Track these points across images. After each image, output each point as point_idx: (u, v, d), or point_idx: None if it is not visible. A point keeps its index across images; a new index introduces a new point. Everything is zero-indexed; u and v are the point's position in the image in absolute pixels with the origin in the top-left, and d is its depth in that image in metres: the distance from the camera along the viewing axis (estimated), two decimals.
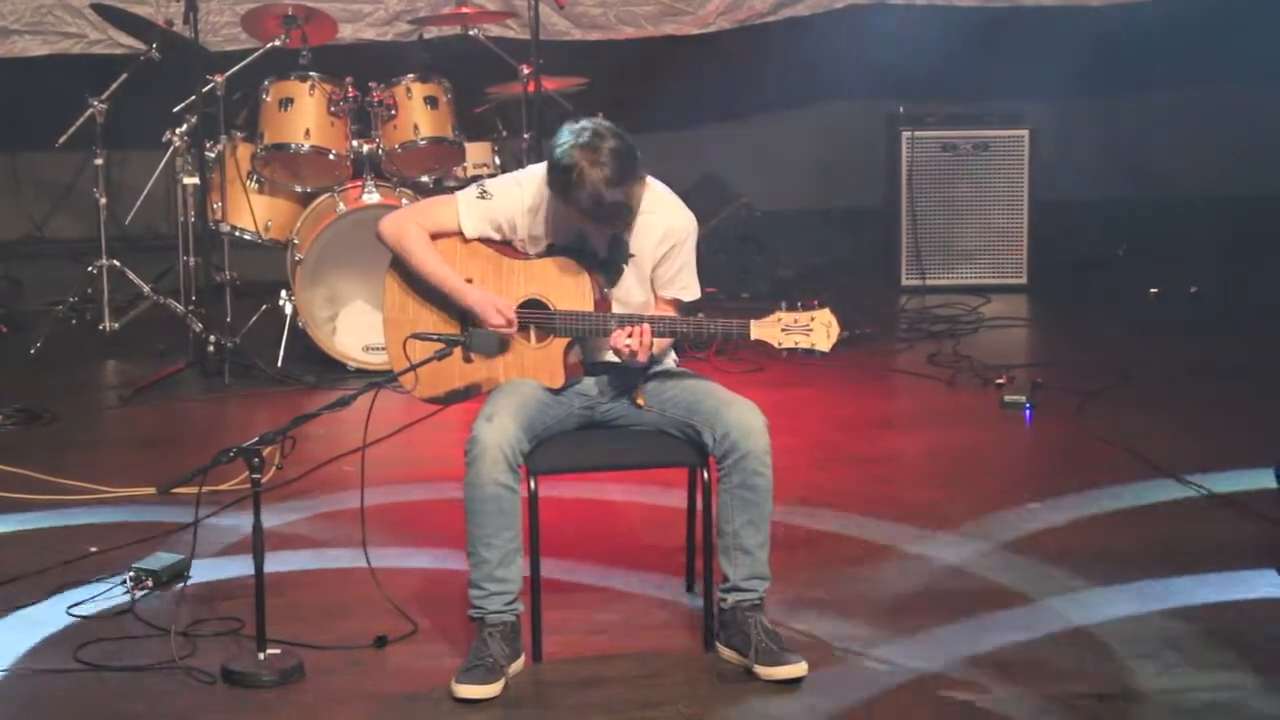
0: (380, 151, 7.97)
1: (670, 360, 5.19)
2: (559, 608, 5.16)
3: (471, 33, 8.50)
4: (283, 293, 7.92)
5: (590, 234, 4.99)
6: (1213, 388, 7.48)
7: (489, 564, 4.85)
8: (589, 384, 5.07)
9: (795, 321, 4.84)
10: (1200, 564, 5.57)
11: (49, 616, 5.29)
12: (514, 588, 4.89)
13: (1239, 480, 6.27)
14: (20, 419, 7.19)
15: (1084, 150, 10.09)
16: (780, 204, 9.46)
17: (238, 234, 8.02)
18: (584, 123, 4.88)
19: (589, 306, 4.94)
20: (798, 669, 4.82)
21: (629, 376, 5.04)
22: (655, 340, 4.90)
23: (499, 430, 4.79)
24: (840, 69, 9.61)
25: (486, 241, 5.06)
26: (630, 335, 4.85)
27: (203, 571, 5.49)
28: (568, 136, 4.84)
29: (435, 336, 4.97)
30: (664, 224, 5.00)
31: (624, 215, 4.89)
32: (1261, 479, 6.20)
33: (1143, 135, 10.15)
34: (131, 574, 5.46)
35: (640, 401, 5.01)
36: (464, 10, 8.34)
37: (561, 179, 4.82)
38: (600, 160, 4.78)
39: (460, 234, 5.04)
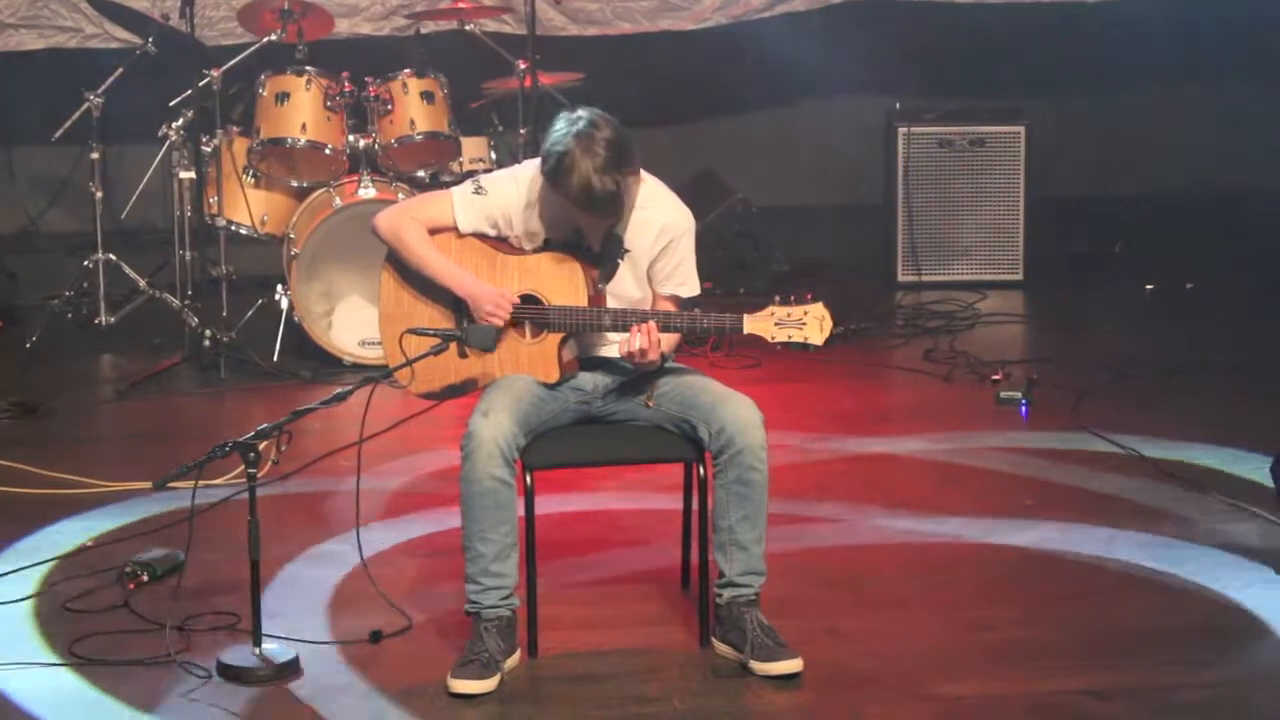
0: (376, 146, 7.96)
1: None
2: (555, 603, 5.15)
3: (468, 28, 8.50)
4: (279, 287, 7.92)
5: (586, 230, 4.98)
6: (1208, 384, 7.48)
7: (485, 559, 4.85)
8: (584, 379, 5.06)
9: (788, 315, 4.84)
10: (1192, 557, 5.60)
11: (44, 611, 5.28)
12: (510, 582, 4.88)
13: (1234, 477, 6.28)
14: (16, 413, 7.19)
15: (1080, 147, 10.10)
16: (776, 200, 9.46)
17: (234, 228, 8.01)
18: (580, 112, 4.88)
19: (583, 302, 4.93)
20: (793, 664, 4.82)
21: (641, 377, 5.02)
22: (663, 337, 4.90)
23: (495, 425, 4.79)
24: (836, 65, 9.61)
25: (481, 237, 5.05)
26: (637, 333, 4.83)
27: (198, 566, 5.49)
28: (563, 124, 4.84)
29: (431, 332, 4.96)
30: (660, 220, 5.00)
31: (614, 206, 4.86)
32: (1258, 476, 6.20)
33: (1139, 132, 10.15)
34: (127, 568, 5.46)
35: (650, 404, 5.01)
36: (460, 5, 8.34)
37: (554, 165, 4.81)
38: (594, 149, 4.77)
39: (455, 229, 5.04)
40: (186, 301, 8.02)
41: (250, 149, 7.94)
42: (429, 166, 8.11)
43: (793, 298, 4.85)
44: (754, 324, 4.85)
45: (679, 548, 5.39)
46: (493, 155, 8.31)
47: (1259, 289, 8.83)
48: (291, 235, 7.85)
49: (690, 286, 5.07)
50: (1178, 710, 4.69)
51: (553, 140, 4.83)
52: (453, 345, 4.97)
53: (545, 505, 5.04)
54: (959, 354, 7.91)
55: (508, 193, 5.02)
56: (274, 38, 8.03)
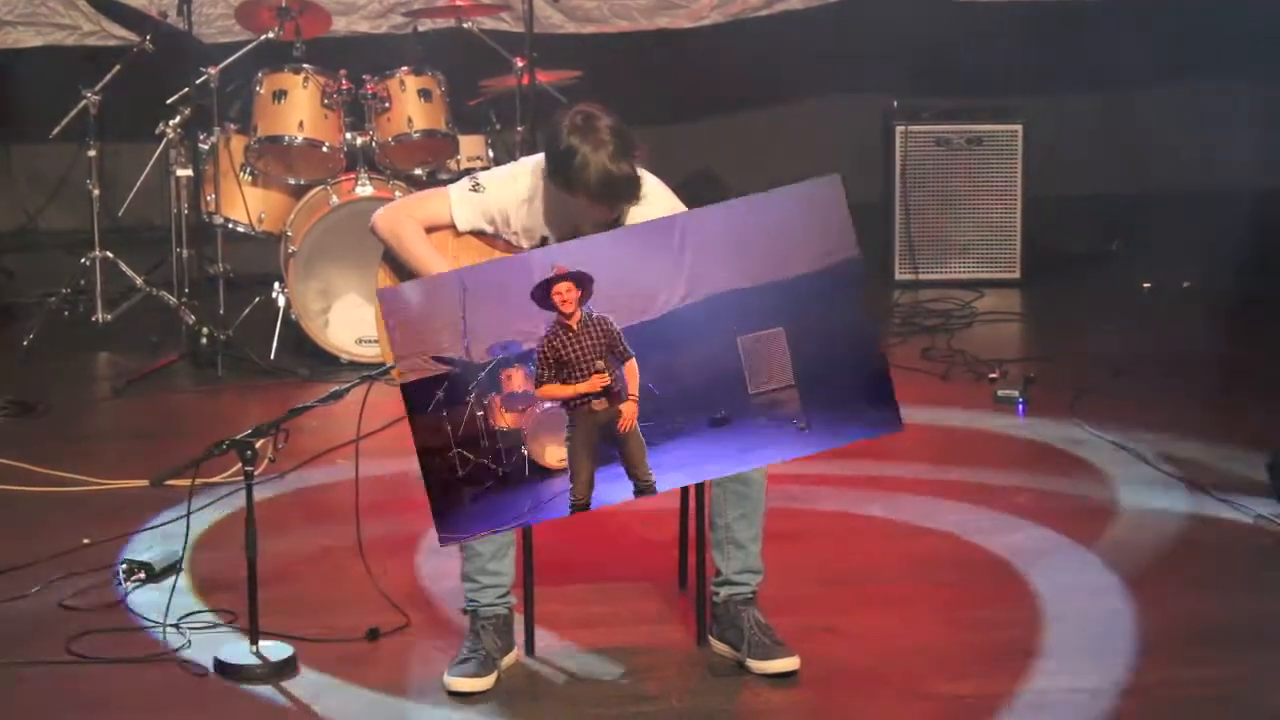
0: (374, 144, 7.96)
1: None
2: (552, 601, 5.15)
3: (465, 26, 8.50)
4: (276, 285, 7.91)
5: (584, 227, 4.97)
6: (1206, 382, 7.48)
7: (482, 557, 4.84)
8: None
9: None
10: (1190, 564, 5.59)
11: (41, 608, 5.28)
12: (507, 581, 4.88)
13: (1231, 475, 6.28)
14: (13, 410, 7.19)
15: (1078, 145, 10.10)
16: None
17: (231, 226, 8.01)
18: (575, 108, 4.87)
19: None
20: (791, 663, 4.82)
21: None
22: None
23: None
24: (834, 63, 9.60)
25: (478, 235, 5.05)
26: None
27: (196, 564, 5.48)
28: (561, 125, 4.82)
29: None
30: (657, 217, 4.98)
31: (634, 189, 4.84)
32: (1255, 474, 6.20)
33: (1138, 131, 10.15)
34: (124, 566, 5.46)
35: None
36: (458, 3, 8.33)
37: (564, 165, 4.78)
38: (601, 139, 4.75)
39: (452, 227, 5.03)
40: (184, 299, 8.02)
41: (248, 147, 7.94)
42: (426, 164, 8.10)
43: None
44: None
45: (676, 546, 5.39)
46: (490, 153, 8.30)
47: (1258, 289, 8.82)
48: (289, 233, 7.85)
49: None
50: (1179, 710, 4.69)
51: (556, 142, 4.79)
52: None
53: None
54: (956, 352, 7.90)
55: (505, 190, 5.01)
56: (271, 35, 8.02)
